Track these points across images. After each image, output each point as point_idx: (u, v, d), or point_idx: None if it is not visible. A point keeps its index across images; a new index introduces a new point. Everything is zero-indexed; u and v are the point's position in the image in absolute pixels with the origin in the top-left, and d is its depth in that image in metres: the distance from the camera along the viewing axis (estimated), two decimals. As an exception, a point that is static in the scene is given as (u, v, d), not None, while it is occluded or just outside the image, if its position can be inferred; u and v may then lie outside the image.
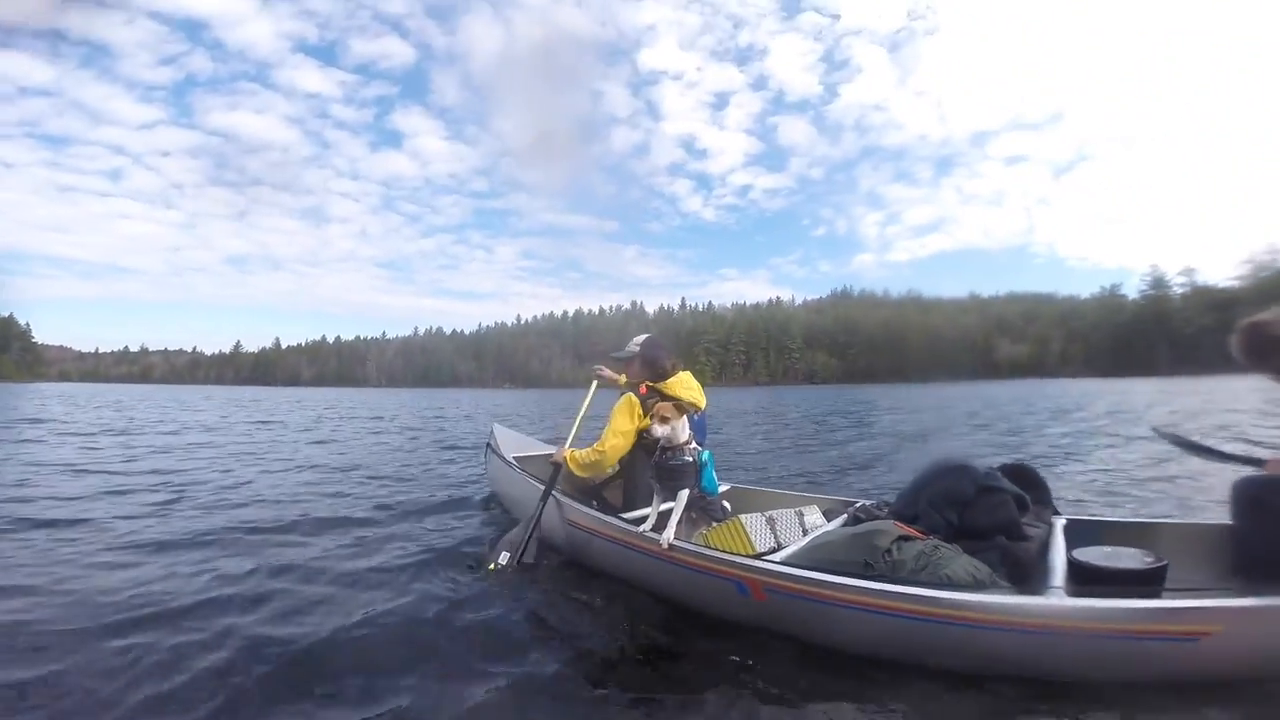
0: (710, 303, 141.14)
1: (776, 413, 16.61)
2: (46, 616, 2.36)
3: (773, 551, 2.44)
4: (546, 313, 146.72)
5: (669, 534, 2.43)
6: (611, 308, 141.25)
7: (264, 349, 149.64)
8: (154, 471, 5.92)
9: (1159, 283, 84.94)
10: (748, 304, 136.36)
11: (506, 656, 2.06)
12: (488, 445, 4.30)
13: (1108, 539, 2.22)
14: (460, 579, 2.77)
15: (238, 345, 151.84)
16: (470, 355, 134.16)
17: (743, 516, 2.62)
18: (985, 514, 2.29)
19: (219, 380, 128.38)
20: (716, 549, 2.39)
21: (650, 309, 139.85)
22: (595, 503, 3.10)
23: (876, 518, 2.54)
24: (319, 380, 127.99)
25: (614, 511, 2.91)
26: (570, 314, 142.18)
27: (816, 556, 2.22)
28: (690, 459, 2.65)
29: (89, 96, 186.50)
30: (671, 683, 1.95)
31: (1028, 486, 2.51)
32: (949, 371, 73.14)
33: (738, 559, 2.21)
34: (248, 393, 44.98)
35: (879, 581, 1.92)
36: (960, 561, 1.99)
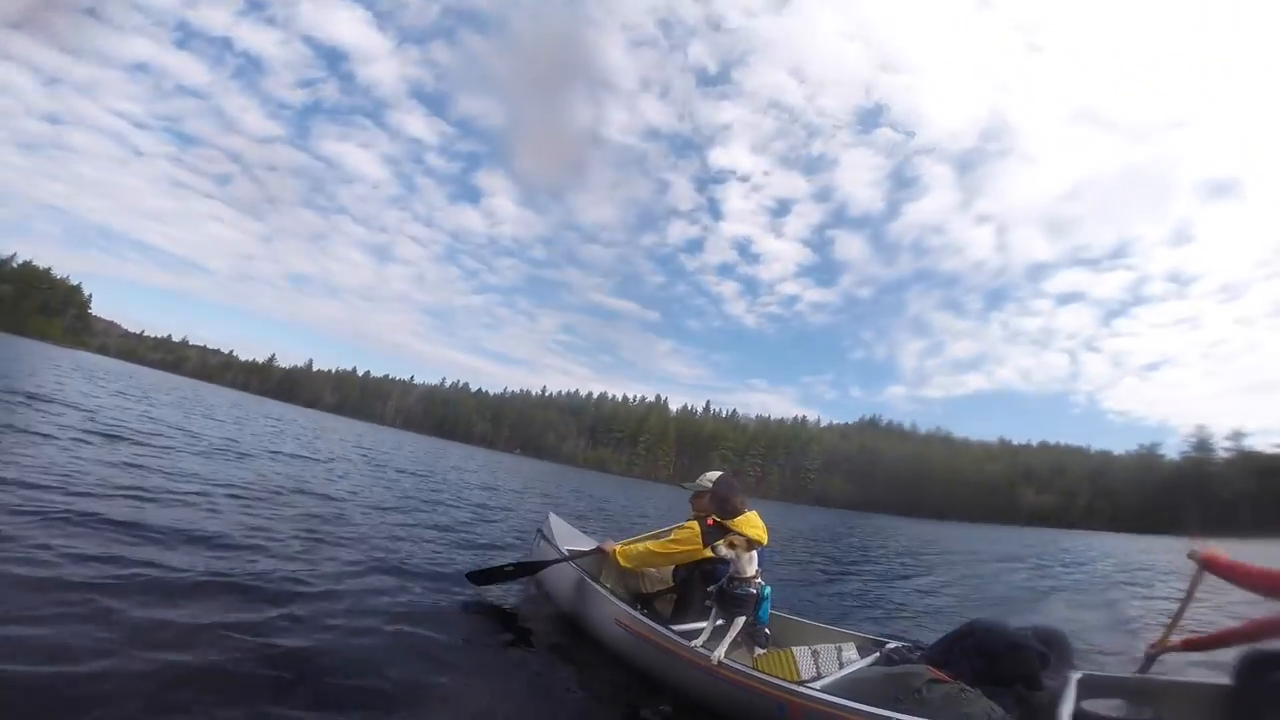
0: (735, 410, 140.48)
1: (795, 533, 16.60)
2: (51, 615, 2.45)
3: (814, 680, 2.69)
4: (572, 390, 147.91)
5: (720, 652, 2.69)
6: (636, 397, 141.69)
7: (295, 367, 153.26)
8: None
9: (1203, 445, 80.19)
10: (771, 418, 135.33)
11: None
12: (539, 531, 4.55)
13: (1118, 695, 2.53)
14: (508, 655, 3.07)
15: (272, 358, 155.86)
16: (489, 415, 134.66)
17: (794, 649, 2.97)
18: (1010, 666, 2.61)
19: (245, 387, 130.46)
20: (764, 672, 2.67)
21: (674, 406, 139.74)
22: (643, 608, 3.28)
23: (909, 659, 2.81)
24: (338, 408, 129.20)
25: (662, 621, 3.16)
26: (594, 395, 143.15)
27: (853, 689, 2.47)
28: (754, 590, 2.91)
29: (230, 106, 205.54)
30: None
31: (1054, 648, 2.80)
32: (967, 513, 70.18)
33: (783, 683, 2.48)
34: (272, 408, 45.70)
35: (907, 715, 2.14)
36: (981, 704, 2.27)
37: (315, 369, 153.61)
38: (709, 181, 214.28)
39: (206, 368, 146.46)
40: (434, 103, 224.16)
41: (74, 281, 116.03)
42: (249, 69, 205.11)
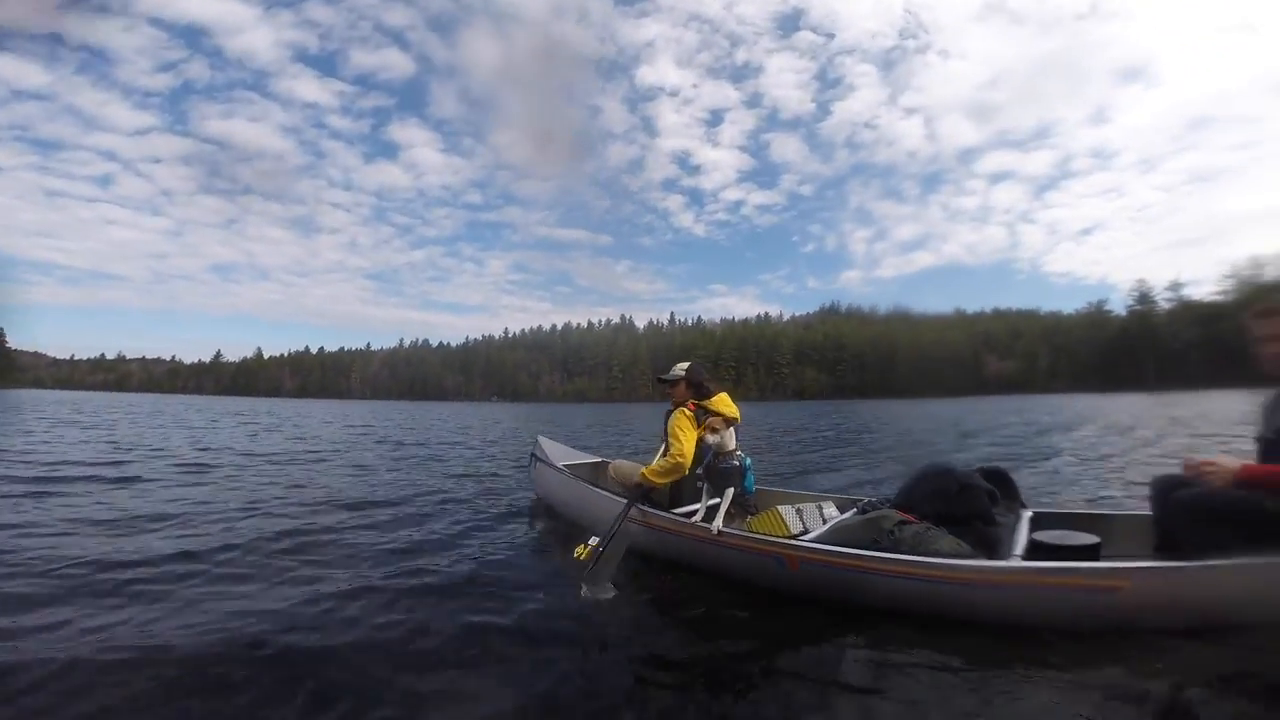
0: (700, 318, 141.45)
1: (774, 425, 17.34)
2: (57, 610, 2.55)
3: (802, 534, 3.01)
4: (535, 326, 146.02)
5: (718, 523, 2.99)
6: (601, 322, 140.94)
7: (245, 359, 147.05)
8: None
9: (1145, 298, 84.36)
10: (736, 319, 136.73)
11: (583, 636, 2.44)
12: (533, 455, 4.84)
13: (1068, 527, 2.83)
14: (532, 573, 3.27)
15: (218, 355, 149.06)
16: (457, 368, 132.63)
17: (779, 507, 3.28)
18: (964, 505, 2.88)
19: (198, 390, 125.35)
20: (759, 533, 3.05)
21: (640, 323, 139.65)
22: (641, 502, 3.44)
23: (880, 509, 3.03)
24: (302, 392, 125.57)
25: (661, 508, 3.41)
26: (559, 327, 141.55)
27: (837, 537, 2.83)
28: (737, 463, 3.27)
29: (84, 102, 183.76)
30: (721, 646, 2.33)
31: (1000, 485, 3.13)
32: (939, 387, 73.18)
33: (778, 539, 2.82)
34: (233, 403, 44.43)
35: (886, 553, 2.54)
36: (946, 540, 2.60)
37: (267, 356, 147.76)
38: (639, 100, 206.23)
39: (153, 379, 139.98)
40: (323, 64, 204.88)
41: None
42: (95, 62, 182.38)
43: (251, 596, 2.82)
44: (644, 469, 3.50)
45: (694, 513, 3.25)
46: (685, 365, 3.75)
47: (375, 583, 3.00)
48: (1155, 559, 2.42)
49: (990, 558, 2.56)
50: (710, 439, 3.23)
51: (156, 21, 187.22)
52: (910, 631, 2.32)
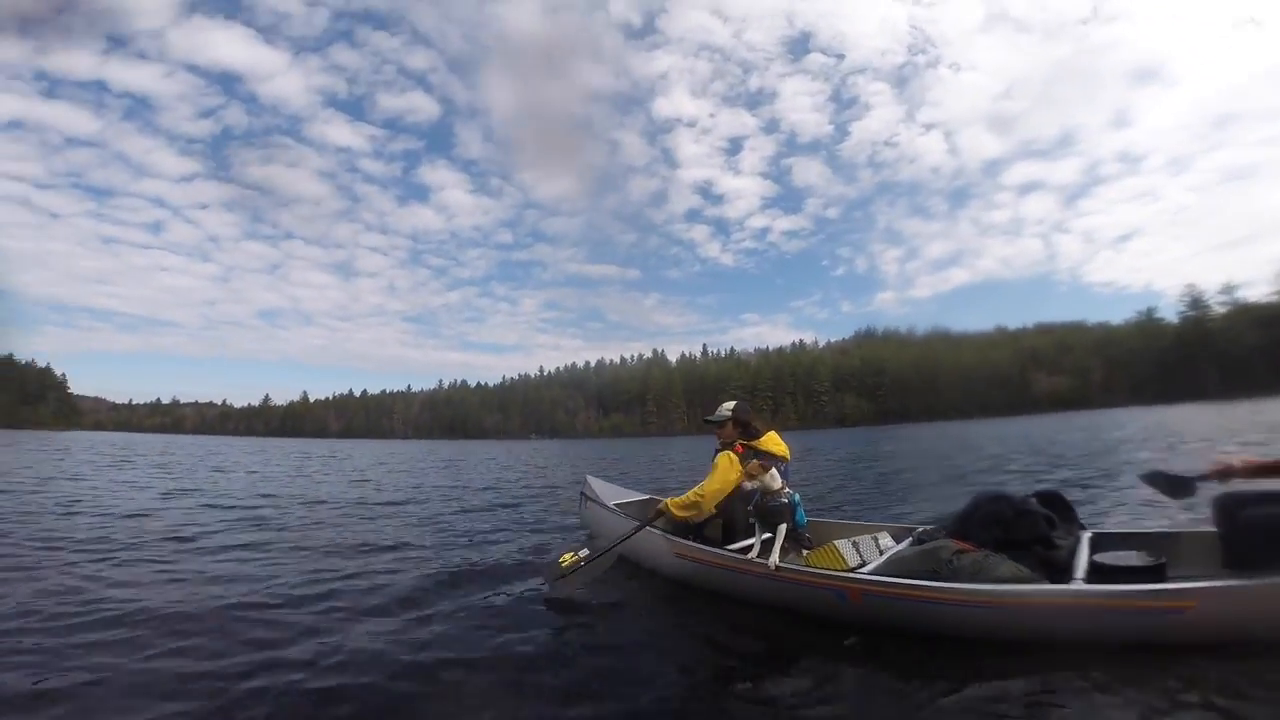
0: (732, 349, 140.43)
1: (817, 455, 17.11)
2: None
3: (860, 567, 3.07)
4: (569, 364, 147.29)
5: (774, 558, 3.03)
6: (634, 357, 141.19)
7: (293, 402, 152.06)
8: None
9: (1197, 303, 79.87)
10: (770, 349, 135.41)
11: (635, 669, 2.50)
12: (582, 494, 4.99)
13: (1128, 547, 2.84)
14: (599, 603, 3.34)
15: (266, 399, 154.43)
16: (495, 407, 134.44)
17: (836, 542, 3.32)
18: (1021, 530, 2.89)
19: (249, 432, 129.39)
20: (817, 567, 3.09)
21: (672, 357, 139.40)
22: (694, 539, 3.57)
23: (936, 539, 3.06)
24: (346, 433, 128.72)
25: (715, 545, 3.47)
26: (593, 364, 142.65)
27: (895, 569, 2.83)
28: (785, 500, 3.31)
29: (132, 149, 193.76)
30: (779, 677, 2.39)
31: (1057, 509, 3.10)
32: (986, 408, 70.71)
33: (838, 572, 2.89)
34: (287, 444, 46.28)
35: (946, 582, 2.57)
36: (1006, 565, 2.62)
37: (312, 399, 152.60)
38: (658, 133, 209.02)
39: (206, 421, 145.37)
40: (352, 108, 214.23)
41: (40, 364, 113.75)
42: (138, 108, 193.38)
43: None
44: (668, 499, 3.64)
45: (748, 549, 3.32)
46: (731, 405, 3.80)
47: (434, 613, 3.19)
48: (1224, 577, 2.38)
49: (1052, 581, 2.59)
50: (749, 485, 3.31)
51: (192, 68, 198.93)
52: (972, 659, 2.36)
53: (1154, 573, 2.55)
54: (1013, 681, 2.13)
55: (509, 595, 3.53)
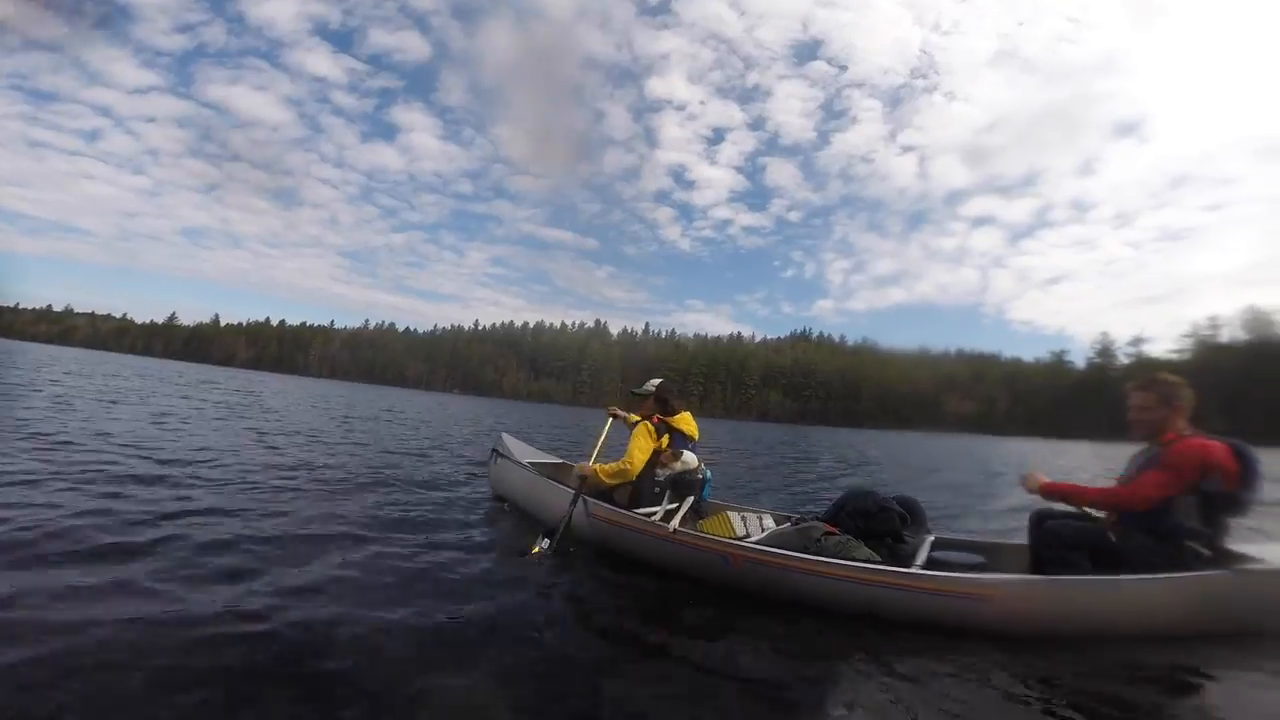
0: (674, 331, 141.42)
1: (734, 444, 17.59)
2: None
3: (744, 538, 3.36)
4: (506, 321, 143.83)
5: (675, 523, 3.31)
6: (575, 324, 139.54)
7: (201, 324, 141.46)
8: None
9: (1106, 351, 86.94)
10: (709, 337, 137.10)
11: (541, 630, 2.50)
12: (494, 451, 4.95)
13: (961, 550, 3.50)
14: (502, 567, 3.28)
15: (172, 317, 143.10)
16: (421, 356, 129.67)
17: (729, 513, 3.72)
18: (879, 524, 3.38)
19: (146, 351, 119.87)
20: (709, 533, 3.41)
21: (614, 330, 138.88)
22: (605, 502, 3.75)
23: (809, 523, 3.46)
24: (255, 363, 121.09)
25: (622, 507, 3.67)
26: (530, 325, 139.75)
27: (773, 542, 3.25)
28: (700, 476, 3.79)
29: (93, 57, 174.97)
30: (668, 636, 2.59)
31: (912, 512, 3.54)
32: (900, 421, 74.23)
33: (725, 539, 3.20)
34: (183, 369, 42.52)
35: (814, 556, 2.95)
36: (863, 550, 3.05)
37: (224, 324, 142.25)
38: (645, 111, 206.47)
39: (99, 335, 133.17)
40: (340, 39, 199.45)
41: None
42: (114, 16, 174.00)
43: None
44: (595, 464, 3.86)
45: (653, 514, 3.57)
46: (656, 382, 4.11)
47: (331, 575, 2.86)
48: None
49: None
50: (660, 475, 3.74)
51: None
52: (823, 626, 2.71)
53: (975, 570, 3.07)
54: (848, 652, 2.45)
55: (420, 561, 3.27)
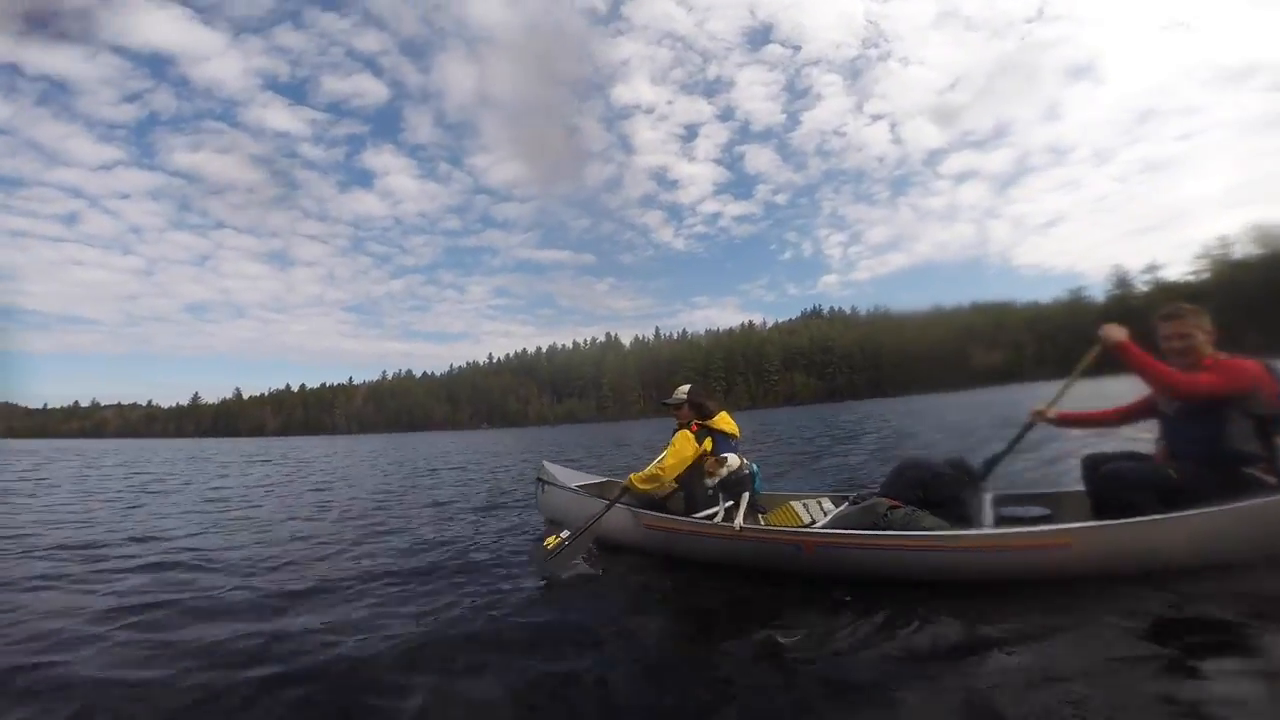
0: (684, 330, 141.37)
1: (767, 433, 17.20)
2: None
3: (810, 524, 3.48)
4: (519, 350, 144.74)
5: (739, 520, 3.33)
6: (586, 341, 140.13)
7: (225, 400, 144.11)
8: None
9: (1123, 282, 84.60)
10: (721, 330, 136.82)
11: (612, 638, 2.57)
12: (539, 480, 5.00)
13: (1021, 504, 3.55)
14: (573, 588, 3.32)
15: (195, 397, 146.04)
16: (444, 397, 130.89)
17: (791, 502, 3.78)
18: (938, 490, 3.36)
19: (178, 433, 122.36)
20: (777, 525, 3.49)
21: (626, 340, 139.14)
22: (659, 512, 3.80)
23: (869, 499, 3.42)
24: (285, 430, 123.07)
25: (679, 514, 3.73)
26: (544, 350, 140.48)
27: (841, 524, 3.28)
28: (747, 472, 3.75)
29: (45, 135, 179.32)
30: (756, 628, 2.57)
31: (965, 472, 3.54)
32: (928, 383, 73.25)
33: (795, 529, 3.27)
34: (228, 445, 43.59)
35: (884, 531, 3.02)
36: (929, 519, 3.10)
37: (246, 396, 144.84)
38: (616, 119, 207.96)
39: (130, 424, 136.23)
40: (293, 91, 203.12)
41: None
42: (55, 92, 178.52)
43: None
44: (631, 475, 3.88)
45: (712, 516, 3.61)
46: (686, 388, 4.12)
47: (393, 603, 3.12)
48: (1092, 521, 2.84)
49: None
50: (710, 482, 3.73)
51: (120, 50, 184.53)
52: (904, 596, 2.71)
53: (1045, 522, 3.14)
54: (949, 621, 2.44)
55: (487, 584, 3.48)
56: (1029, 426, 3.51)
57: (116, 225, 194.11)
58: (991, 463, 3.62)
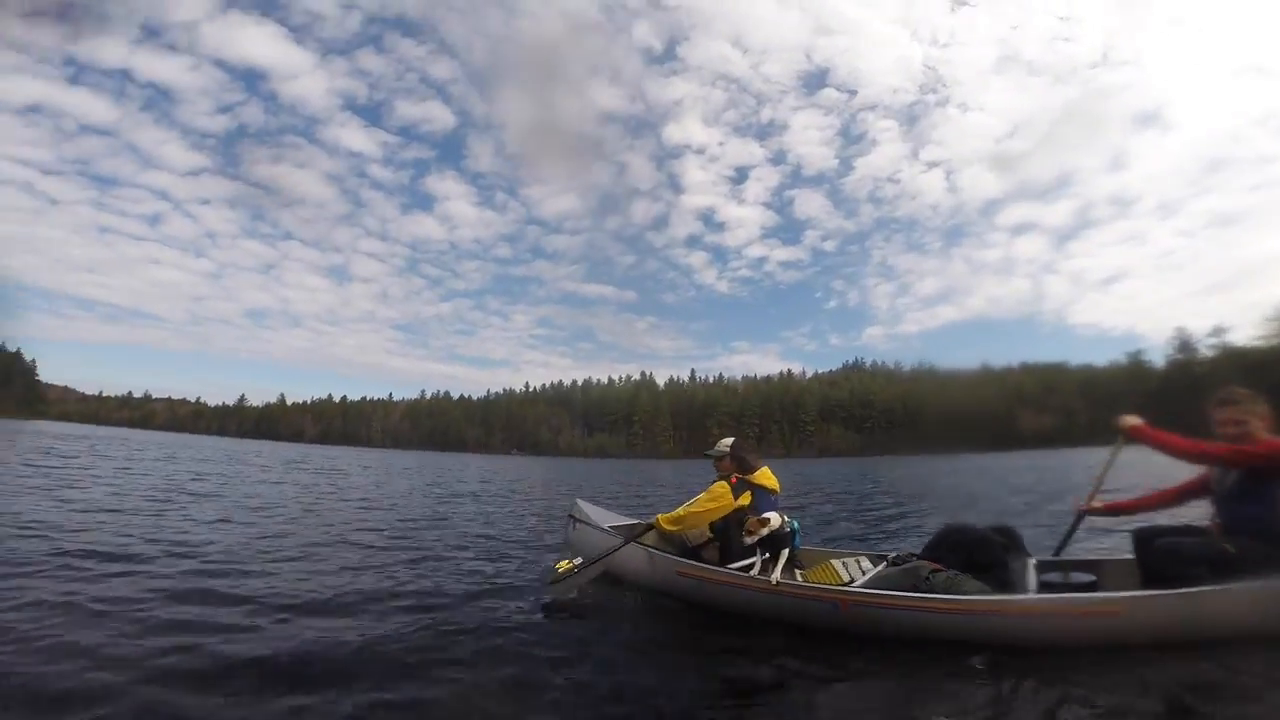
0: (721, 375, 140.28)
1: (802, 485, 17.14)
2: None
3: (849, 583, 3.39)
4: (555, 381, 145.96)
5: (776, 575, 3.36)
6: (622, 378, 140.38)
7: (269, 404, 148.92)
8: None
9: (1185, 346, 79.27)
10: (759, 376, 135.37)
11: (656, 688, 2.56)
12: (571, 517, 5.01)
13: (1063, 570, 3.39)
14: (598, 629, 3.36)
15: (242, 398, 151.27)
16: (478, 421, 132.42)
17: (831, 561, 3.72)
18: (982, 555, 3.36)
19: (221, 432, 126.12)
20: (815, 582, 3.48)
21: (660, 380, 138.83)
22: (693, 559, 3.82)
23: (909, 561, 3.46)
24: (322, 438, 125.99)
25: (714, 564, 3.75)
26: (580, 383, 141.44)
27: (881, 584, 3.25)
28: (788, 530, 3.65)
29: (144, 140, 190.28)
30: (787, 682, 2.57)
31: (1009, 538, 3.55)
32: (970, 445, 70.49)
33: (833, 586, 3.28)
34: (264, 448, 45.50)
35: (926, 594, 2.98)
36: (972, 583, 3.06)
37: (289, 403, 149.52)
38: (666, 158, 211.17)
39: (177, 419, 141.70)
40: (369, 114, 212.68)
41: (11, 348, 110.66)
42: (159, 100, 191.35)
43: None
44: (659, 515, 4.00)
45: (748, 567, 3.63)
46: (729, 441, 4.14)
47: (415, 632, 3.11)
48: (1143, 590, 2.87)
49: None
50: (750, 540, 3.60)
51: (219, 63, 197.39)
52: (939, 660, 2.67)
53: (1090, 589, 3.15)
54: (987, 684, 2.42)
55: (512, 611, 3.57)
56: (1078, 521, 3.64)
57: (195, 229, 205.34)
58: (1059, 549, 3.73)
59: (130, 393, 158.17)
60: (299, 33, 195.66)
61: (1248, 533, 2.86)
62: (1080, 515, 3.63)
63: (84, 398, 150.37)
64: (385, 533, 6.25)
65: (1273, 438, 2.92)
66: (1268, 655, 2.49)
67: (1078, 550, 4.85)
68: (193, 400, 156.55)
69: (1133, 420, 3.34)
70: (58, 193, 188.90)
